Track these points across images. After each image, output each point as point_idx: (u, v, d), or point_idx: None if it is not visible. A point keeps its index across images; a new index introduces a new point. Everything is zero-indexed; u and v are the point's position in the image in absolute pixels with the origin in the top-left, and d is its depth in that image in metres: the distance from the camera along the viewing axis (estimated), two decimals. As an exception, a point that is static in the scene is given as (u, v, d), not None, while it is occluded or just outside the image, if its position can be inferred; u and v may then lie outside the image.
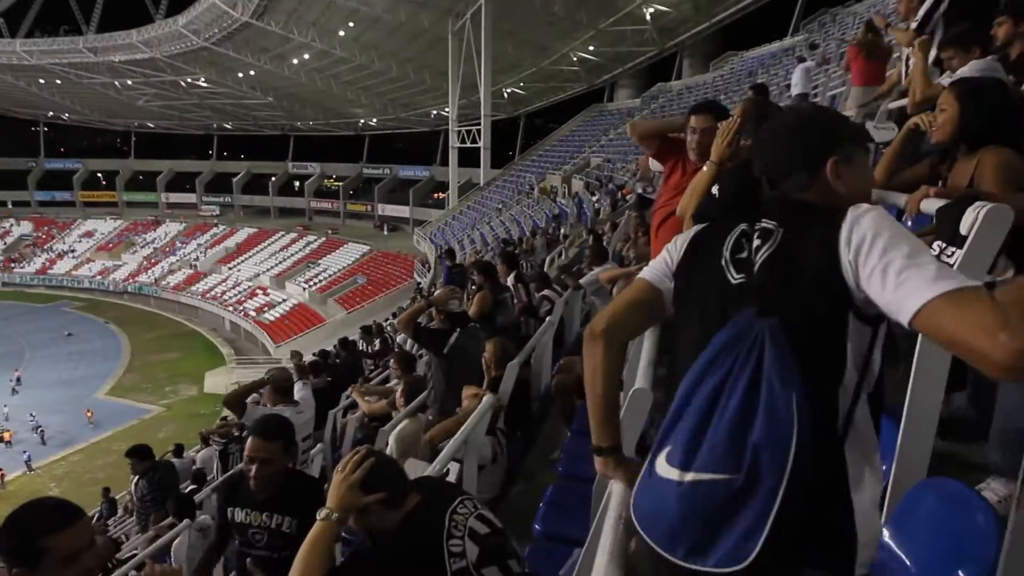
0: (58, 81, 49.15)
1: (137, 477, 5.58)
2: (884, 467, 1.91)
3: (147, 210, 56.74)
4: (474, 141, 35.17)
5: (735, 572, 0.94)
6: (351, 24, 35.44)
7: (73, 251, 49.87)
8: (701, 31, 32.06)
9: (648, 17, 31.61)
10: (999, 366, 0.80)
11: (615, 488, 1.28)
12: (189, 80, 47.54)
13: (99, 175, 60.27)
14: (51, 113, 57.56)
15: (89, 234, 52.19)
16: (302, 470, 2.77)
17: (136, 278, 45.44)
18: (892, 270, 0.95)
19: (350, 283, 38.16)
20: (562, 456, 3.35)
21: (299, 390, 3.83)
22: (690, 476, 0.99)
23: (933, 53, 3.54)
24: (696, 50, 34.29)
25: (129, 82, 48.60)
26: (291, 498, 2.36)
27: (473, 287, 5.84)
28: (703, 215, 1.96)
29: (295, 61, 41.92)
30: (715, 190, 2.04)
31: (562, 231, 18.31)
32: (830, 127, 1.26)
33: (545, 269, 9.73)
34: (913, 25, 4.00)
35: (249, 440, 2.33)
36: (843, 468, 1.01)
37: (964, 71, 2.96)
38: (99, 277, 46.18)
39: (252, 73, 44.93)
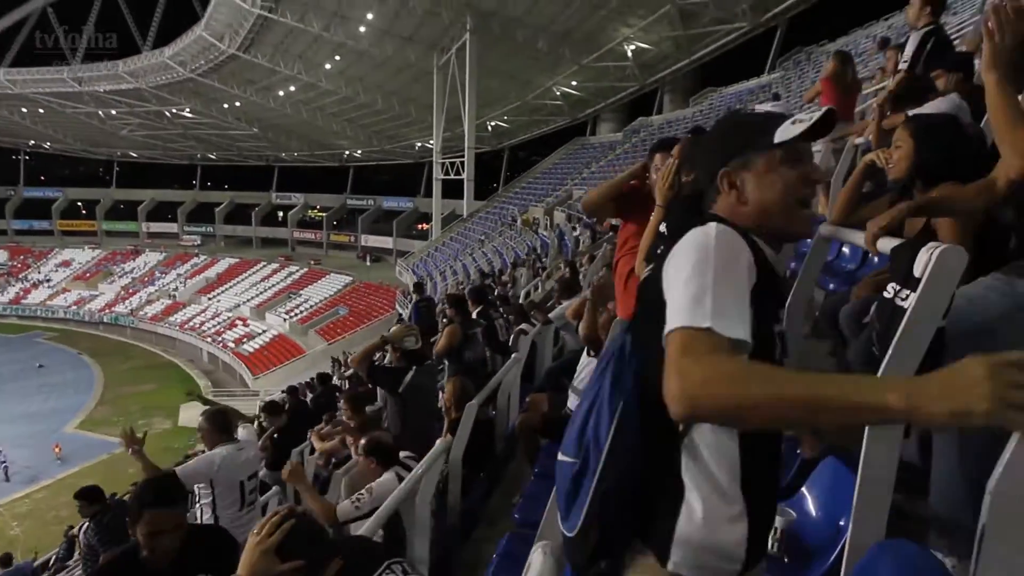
0: (41, 110, 48.93)
1: (86, 521, 5.28)
2: (843, 523, 1.80)
3: (127, 240, 56.13)
4: (458, 173, 35.34)
5: (573, 537, 1.11)
6: (337, 57, 35.77)
7: (49, 280, 49.02)
8: (681, 68, 32.73)
9: (630, 54, 32.24)
10: (670, 408, 0.86)
11: (535, 561, 1.16)
12: (174, 110, 47.54)
13: (79, 204, 59.73)
14: (32, 142, 57.15)
15: (66, 263, 51.41)
16: (199, 523, 2.54)
17: (112, 308, 44.67)
18: (670, 297, 1.00)
19: (331, 314, 37.76)
20: (521, 501, 3.19)
21: (240, 429, 3.64)
22: (560, 456, 1.17)
23: None
24: (676, 86, 34.97)
25: (113, 112, 48.50)
26: (200, 555, 2.13)
27: (444, 320, 5.72)
28: (652, 255, 1.91)
29: (281, 93, 42.14)
30: (663, 228, 1.98)
31: (544, 262, 18.28)
32: (724, 135, 1.21)
33: (521, 302, 9.61)
34: (903, 65, 4.04)
35: (147, 515, 2.06)
36: (676, 469, 1.08)
37: (926, 107, 2.95)
38: (75, 307, 45.31)
39: (238, 104, 45.04)
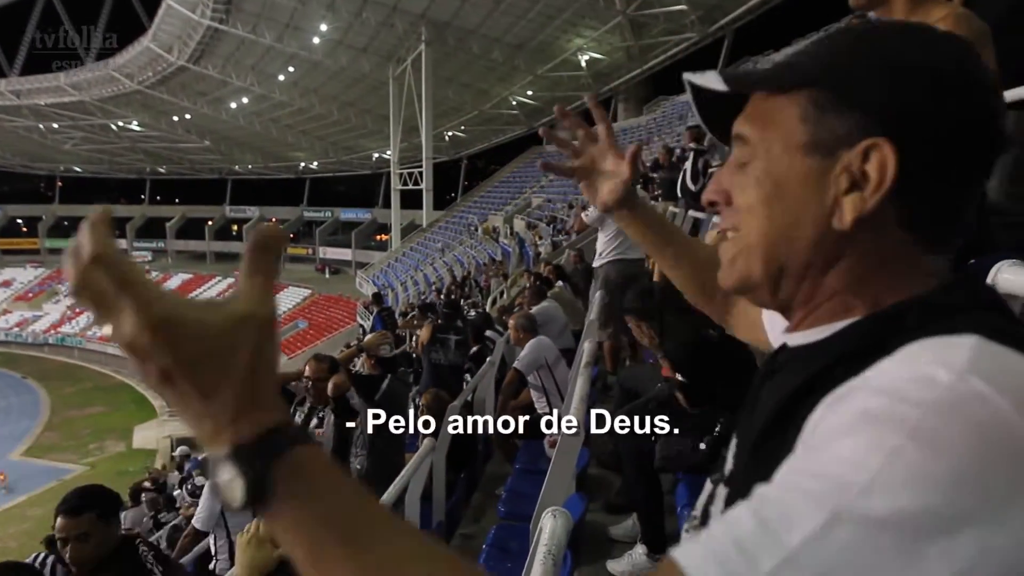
0: (-24, 124, 46.97)
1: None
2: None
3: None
4: (416, 183, 35.34)
5: None
6: (291, 68, 35.42)
7: (-12, 302, 46.87)
8: (634, 77, 33.47)
9: (583, 64, 32.84)
10: None
11: (546, 524, 1.30)
12: (121, 123, 46.18)
13: (19, 221, 57.32)
14: (-34, 158, 54.73)
15: (7, 283, 49.17)
16: (149, 542, 2.48)
17: (58, 329, 42.92)
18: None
19: (291, 328, 37.16)
20: (505, 495, 3.34)
21: None
22: None
23: None
24: (630, 94, 35.72)
25: (55, 125, 46.82)
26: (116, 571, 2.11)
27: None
28: None
29: (233, 105, 41.41)
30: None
31: (507, 270, 18.46)
32: None
33: (488, 309, 9.77)
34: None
35: (56, 520, 2.12)
36: None
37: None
38: (16, 329, 43.38)
39: (188, 116, 44.05)
